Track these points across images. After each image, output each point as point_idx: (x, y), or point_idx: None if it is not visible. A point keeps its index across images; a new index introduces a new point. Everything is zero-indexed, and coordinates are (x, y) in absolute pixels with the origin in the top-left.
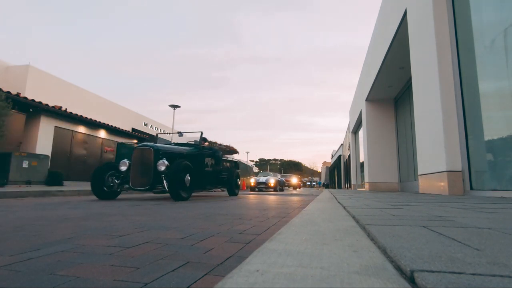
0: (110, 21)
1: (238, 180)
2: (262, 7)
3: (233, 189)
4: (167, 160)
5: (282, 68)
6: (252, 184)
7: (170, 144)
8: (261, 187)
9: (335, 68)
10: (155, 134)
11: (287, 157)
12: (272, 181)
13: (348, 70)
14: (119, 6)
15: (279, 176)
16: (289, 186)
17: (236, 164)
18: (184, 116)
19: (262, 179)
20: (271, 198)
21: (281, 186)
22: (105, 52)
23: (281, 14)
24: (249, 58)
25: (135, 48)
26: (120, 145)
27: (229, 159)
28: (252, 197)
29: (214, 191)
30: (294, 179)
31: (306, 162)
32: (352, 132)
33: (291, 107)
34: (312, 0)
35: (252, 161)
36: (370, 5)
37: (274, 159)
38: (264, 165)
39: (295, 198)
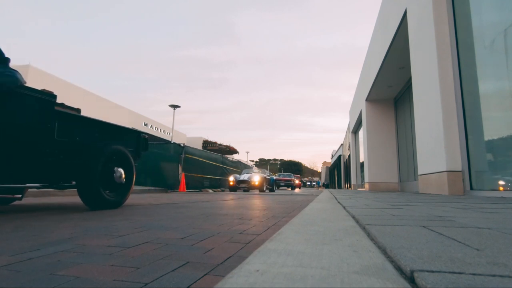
0: (109, 21)
1: (121, 171)
2: (261, 8)
3: (96, 191)
4: None
5: (281, 69)
6: (231, 183)
7: None
8: (243, 187)
9: (334, 69)
10: (156, 135)
11: (287, 157)
12: (256, 179)
13: (348, 71)
14: (119, 5)
15: (267, 173)
16: (287, 186)
17: (128, 133)
18: (184, 117)
19: (244, 176)
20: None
21: (270, 186)
22: (105, 52)
23: (280, 16)
24: (249, 59)
25: (134, 49)
26: None
27: (94, 119)
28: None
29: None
30: (296, 181)
31: (306, 162)
32: (352, 132)
33: (291, 107)
34: (311, 1)
35: (252, 161)
36: (369, 6)
37: (274, 159)
38: (264, 165)
39: (294, 198)
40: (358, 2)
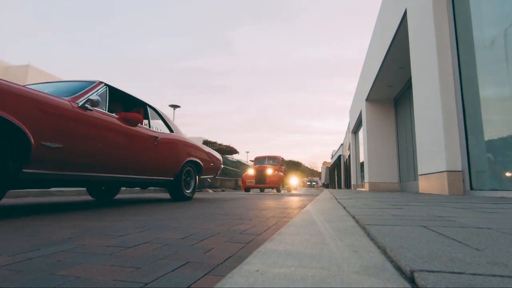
0: (111, 26)
1: None
2: (257, 24)
3: None
4: None
5: (277, 78)
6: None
7: None
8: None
9: (328, 76)
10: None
11: (287, 158)
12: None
13: (340, 79)
14: (125, 16)
15: None
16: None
17: None
18: (186, 120)
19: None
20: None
21: None
22: (111, 61)
23: (274, 31)
24: (247, 69)
25: (139, 60)
26: None
27: None
28: None
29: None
30: (269, 170)
31: (306, 162)
32: (352, 132)
33: (289, 111)
34: (302, 18)
35: (252, 161)
36: (357, 21)
37: None
38: None
39: (294, 198)
40: (346, 18)
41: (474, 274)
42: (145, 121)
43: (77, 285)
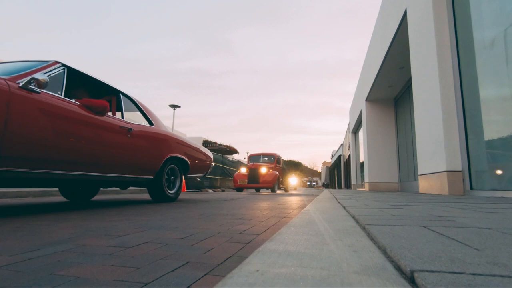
0: (111, 26)
1: None
2: (257, 23)
3: None
4: None
5: (277, 78)
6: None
7: None
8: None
9: (326, 78)
10: None
11: (287, 157)
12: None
13: (339, 80)
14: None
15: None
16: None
17: None
18: (185, 120)
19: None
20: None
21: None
22: (109, 59)
23: (275, 30)
24: (247, 69)
25: (140, 61)
26: None
27: None
28: None
29: None
30: (263, 169)
31: (306, 162)
32: (352, 132)
33: (288, 111)
34: (303, 17)
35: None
36: (355, 22)
37: None
38: None
39: (293, 198)
40: (346, 19)
41: (474, 274)
42: (118, 112)
43: (77, 285)
